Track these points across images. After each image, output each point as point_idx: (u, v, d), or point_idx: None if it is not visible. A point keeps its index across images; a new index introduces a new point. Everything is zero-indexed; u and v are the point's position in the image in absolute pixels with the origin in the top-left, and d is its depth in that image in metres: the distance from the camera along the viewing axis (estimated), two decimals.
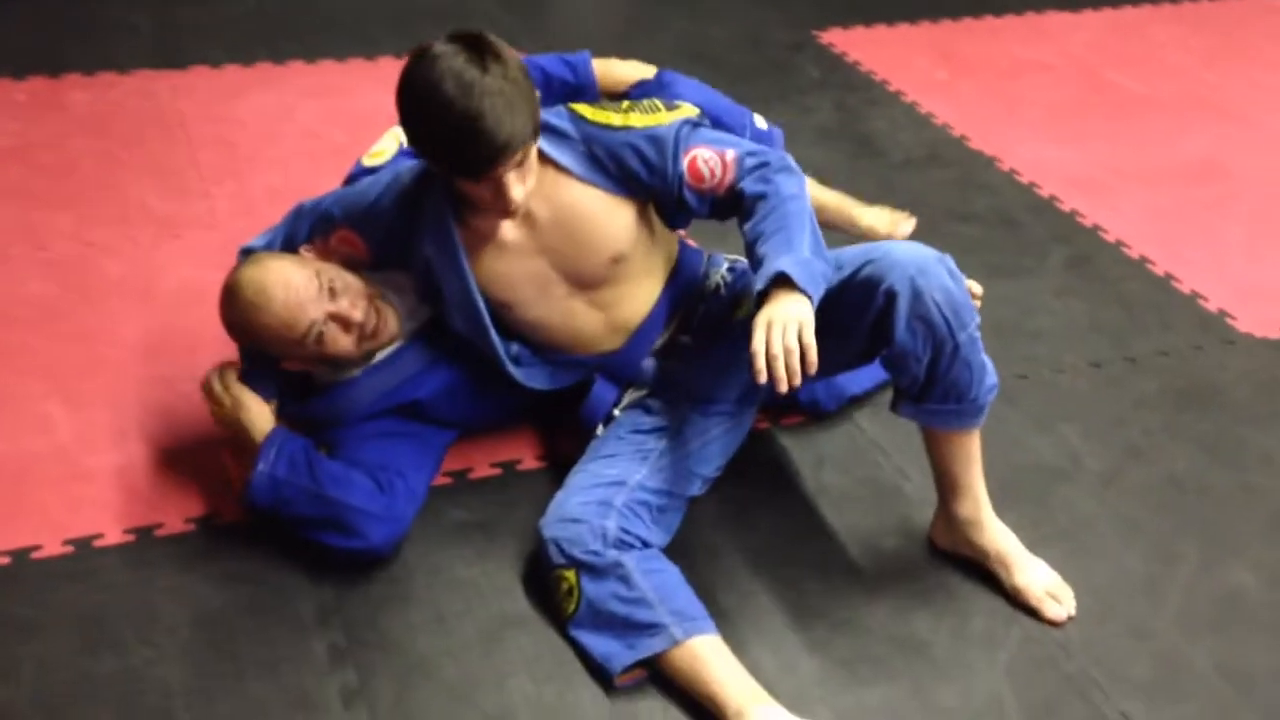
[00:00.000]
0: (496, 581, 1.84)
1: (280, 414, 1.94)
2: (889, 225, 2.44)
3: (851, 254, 1.76)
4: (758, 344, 1.57)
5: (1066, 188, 3.11)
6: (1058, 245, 2.87)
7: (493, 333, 1.88)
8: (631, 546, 1.73)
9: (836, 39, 3.94)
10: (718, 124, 1.99)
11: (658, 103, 1.84)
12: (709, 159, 1.77)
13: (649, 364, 1.95)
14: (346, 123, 3.12)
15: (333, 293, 1.81)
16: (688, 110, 1.83)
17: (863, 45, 3.90)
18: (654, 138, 1.77)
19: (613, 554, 1.71)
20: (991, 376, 1.80)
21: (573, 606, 1.72)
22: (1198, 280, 2.74)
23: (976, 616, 1.83)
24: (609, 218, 1.81)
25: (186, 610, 1.77)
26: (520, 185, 1.68)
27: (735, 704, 1.60)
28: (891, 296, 1.68)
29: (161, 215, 2.72)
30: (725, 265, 2.04)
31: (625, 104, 1.83)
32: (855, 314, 1.73)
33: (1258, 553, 1.99)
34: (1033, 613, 1.83)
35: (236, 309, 1.82)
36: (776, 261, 1.62)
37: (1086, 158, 3.28)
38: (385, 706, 1.64)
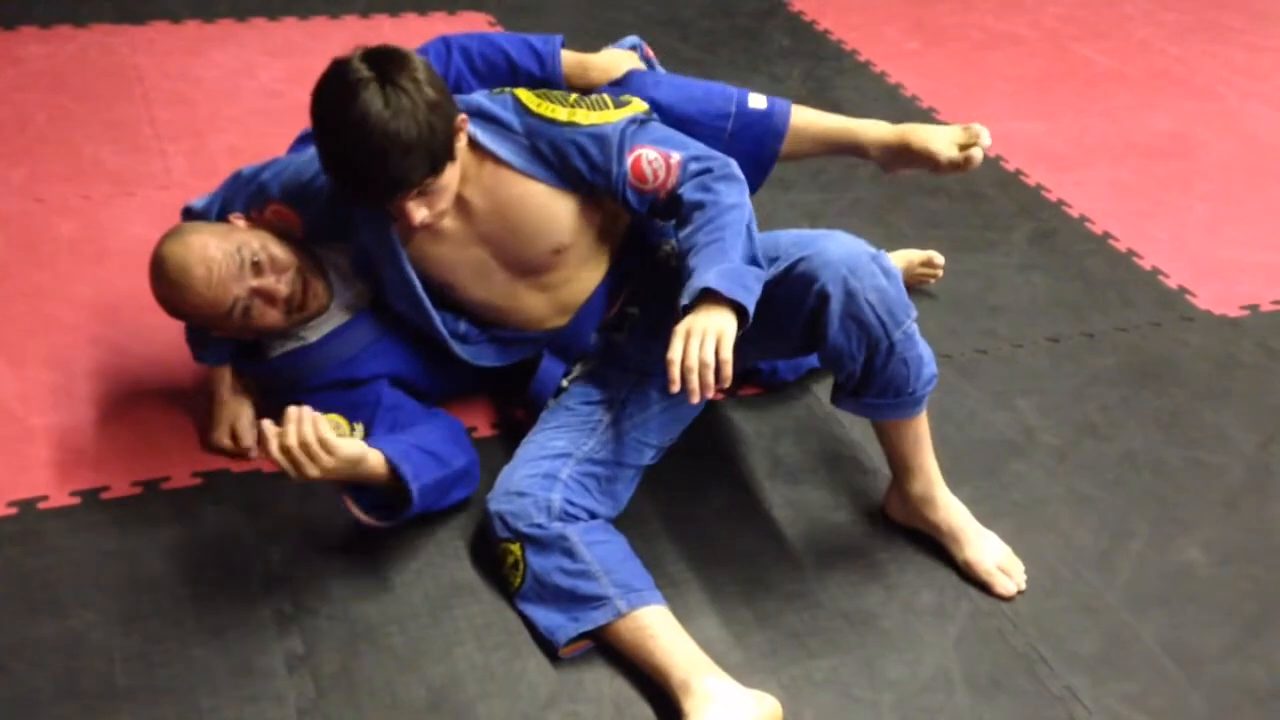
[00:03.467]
0: (446, 550, 1.83)
1: (238, 372, 1.94)
2: (956, 152, 1.96)
3: (787, 244, 1.74)
4: (674, 354, 1.55)
5: (1033, 162, 3.11)
6: (1023, 220, 2.86)
7: (435, 317, 1.86)
8: (577, 519, 1.72)
9: (807, 7, 3.91)
10: (696, 124, 1.91)
11: (606, 98, 1.79)
12: (653, 160, 1.72)
13: (595, 337, 1.93)
14: (308, 82, 2.97)
15: (256, 267, 1.78)
16: (636, 107, 1.79)
17: (834, 13, 3.87)
18: (598, 136, 1.73)
19: (557, 526, 1.70)
20: (930, 367, 1.76)
21: (518, 580, 1.71)
22: (1159, 257, 2.75)
23: (927, 590, 1.83)
24: (549, 211, 1.77)
25: (131, 574, 1.75)
26: (424, 210, 1.65)
27: (681, 674, 1.60)
28: (824, 298, 1.66)
29: (115, 173, 2.68)
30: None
31: (573, 96, 1.78)
32: (789, 312, 1.71)
33: (1209, 530, 2.01)
34: (983, 587, 1.83)
35: (161, 286, 1.79)
36: (704, 276, 1.58)
37: (1054, 132, 3.27)
38: (330, 673, 1.62)
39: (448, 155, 1.63)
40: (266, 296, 1.79)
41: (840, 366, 1.73)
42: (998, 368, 2.34)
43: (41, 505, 1.84)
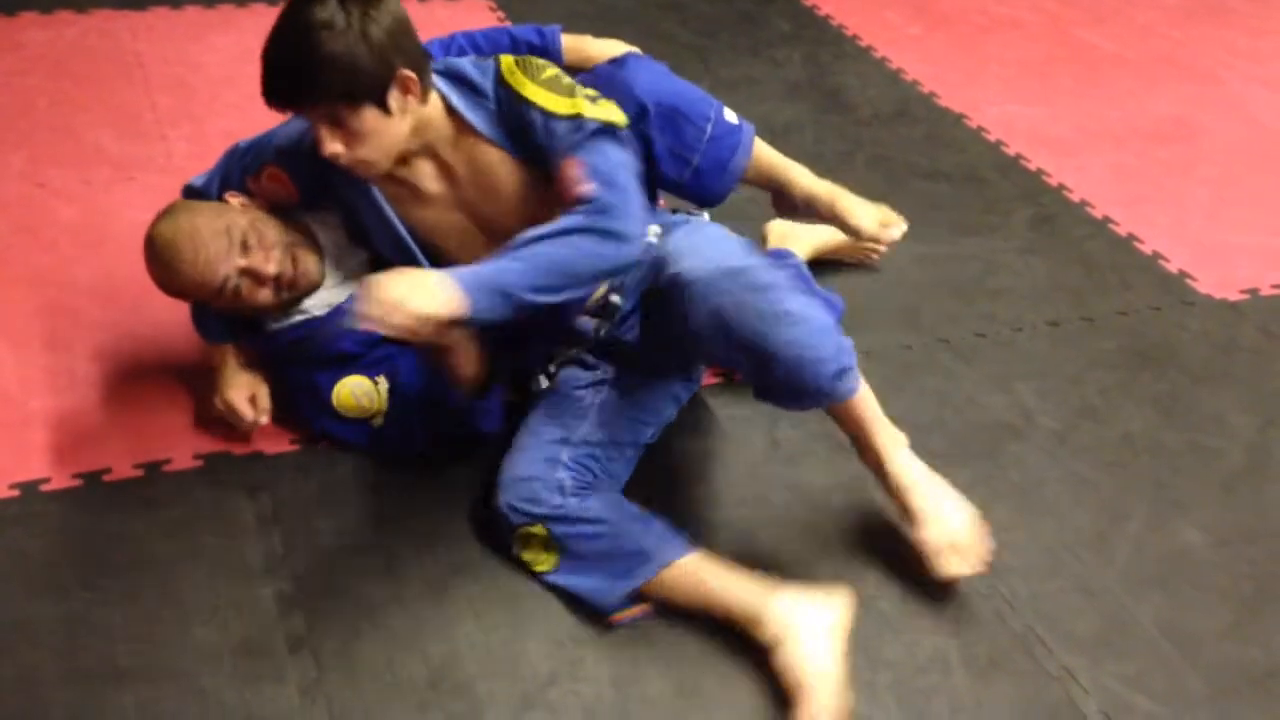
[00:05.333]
0: (446, 530, 1.84)
1: (247, 347, 1.96)
2: (876, 227, 2.11)
3: (668, 251, 1.73)
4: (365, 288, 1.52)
5: (1034, 146, 3.10)
6: (1023, 204, 2.86)
7: (424, 261, 1.84)
8: (588, 495, 1.74)
9: None
10: (683, 117, 1.89)
11: (590, 93, 1.74)
12: (575, 177, 1.67)
13: (585, 322, 1.91)
14: None
15: (245, 247, 1.80)
16: (609, 115, 1.71)
17: None
18: (550, 123, 1.69)
19: (574, 502, 1.72)
20: (836, 362, 1.65)
21: (553, 557, 1.73)
22: (1160, 241, 2.75)
23: (924, 574, 1.83)
24: (520, 181, 1.75)
25: (132, 556, 1.75)
26: (338, 144, 1.64)
27: (745, 607, 1.65)
28: (684, 319, 1.65)
29: (116, 157, 2.68)
30: (654, 226, 1.99)
31: (550, 72, 1.73)
32: (663, 326, 1.72)
33: (1207, 513, 2.01)
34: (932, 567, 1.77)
35: (154, 265, 1.82)
36: (467, 269, 1.57)
37: (1055, 116, 3.27)
38: (331, 653, 1.63)
39: (369, 96, 1.61)
40: (255, 276, 1.81)
41: (735, 370, 1.74)
42: (997, 351, 2.34)
43: (43, 487, 1.85)
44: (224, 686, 1.58)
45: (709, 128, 1.90)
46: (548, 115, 1.68)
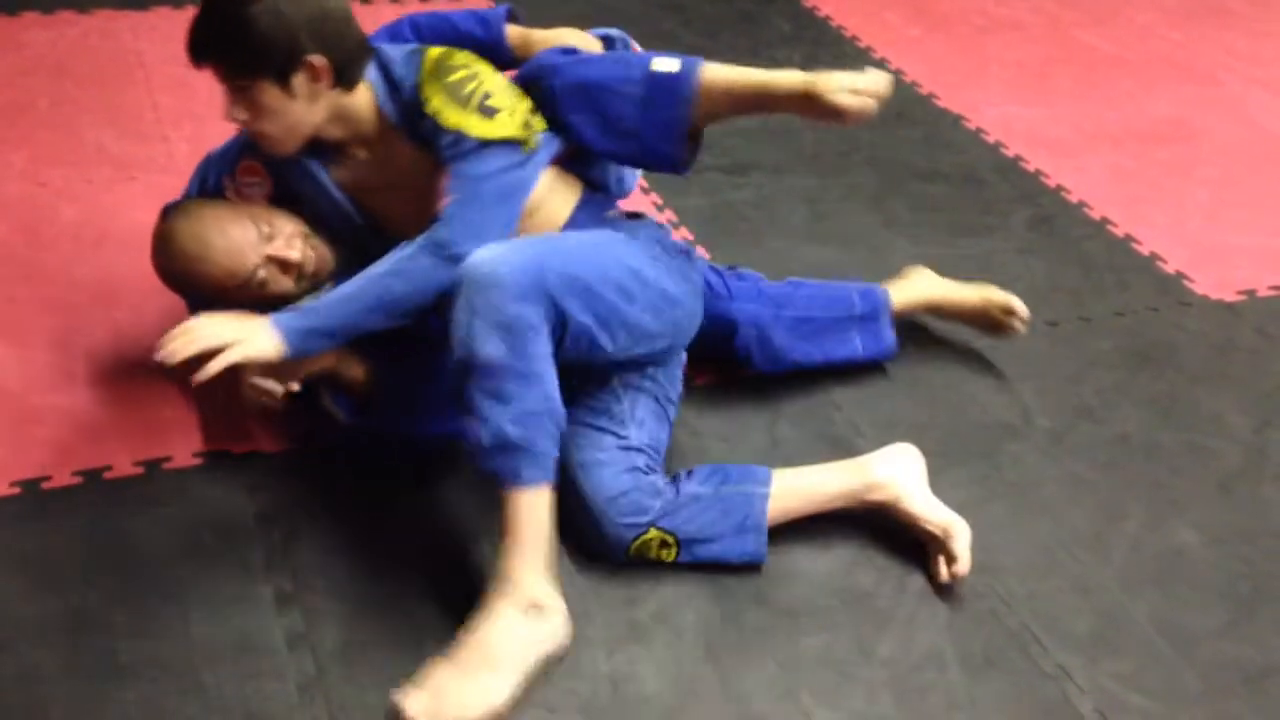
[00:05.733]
0: (445, 528, 1.85)
1: None
2: (848, 98, 1.72)
3: None
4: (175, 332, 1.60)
5: (1032, 147, 3.11)
6: (1021, 205, 2.87)
7: (363, 225, 1.87)
8: (677, 478, 1.82)
9: None
10: (606, 89, 1.80)
11: (477, 108, 1.71)
12: (440, 191, 1.70)
13: None
14: None
15: (269, 235, 1.81)
16: (493, 129, 1.70)
17: (835, 0, 3.87)
18: (437, 134, 1.70)
19: (670, 494, 1.77)
20: (481, 435, 1.61)
21: (675, 551, 1.78)
22: (1157, 242, 2.75)
23: (920, 571, 1.84)
24: (429, 177, 1.74)
25: (133, 553, 1.76)
26: (240, 111, 1.69)
27: (856, 481, 1.84)
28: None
29: (118, 157, 2.69)
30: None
31: (455, 75, 1.72)
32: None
33: (1202, 512, 2.02)
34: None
35: (176, 260, 1.82)
36: (295, 311, 1.66)
37: (1053, 118, 3.28)
38: (330, 650, 1.64)
39: (269, 73, 1.65)
40: (281, 263, 1.81)
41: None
42: (995, 351, 2.35)
43: (44, 485, 1.86)
44: (224, 683, 1.59)
45: (638, 90, 1.77)
46: (437, 124, 1.69)
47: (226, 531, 1.81)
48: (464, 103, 1.69)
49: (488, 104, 1.70)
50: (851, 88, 1.72)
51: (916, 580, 1.83)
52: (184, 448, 1.94)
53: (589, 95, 1.79)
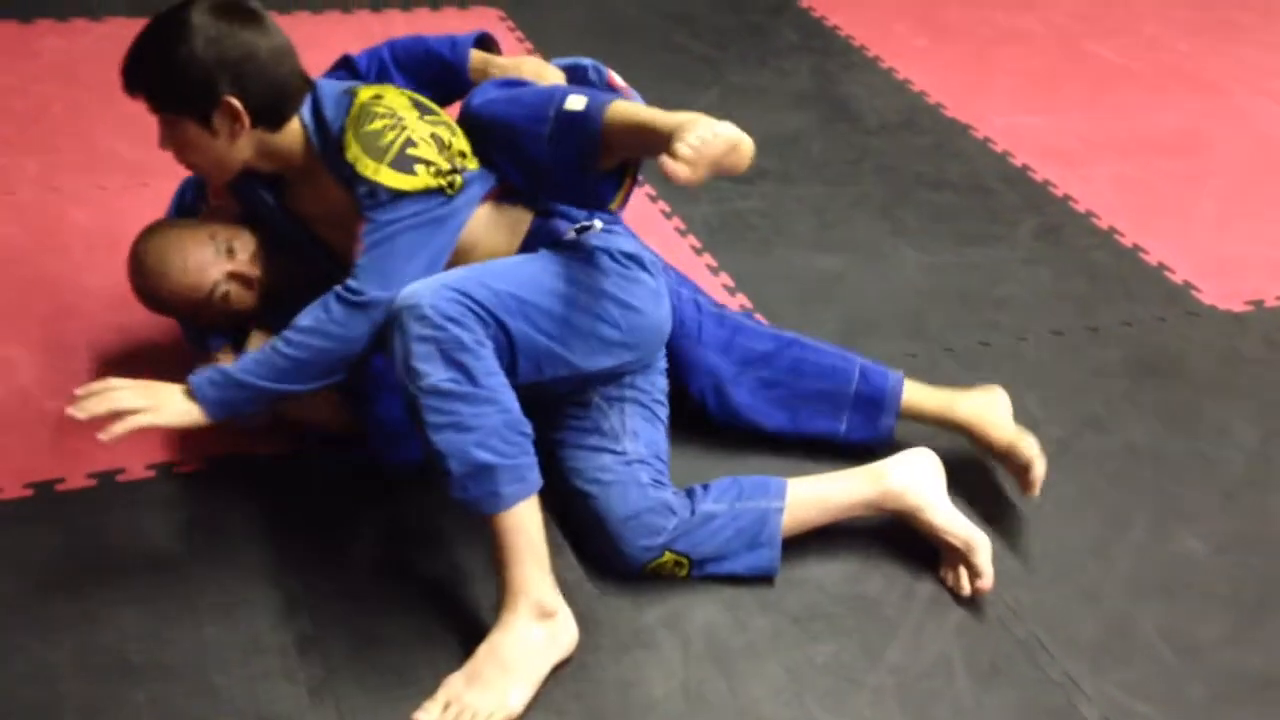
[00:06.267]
0: (454, 532, 1.86)
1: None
2: (686, 148, 1.50)
3: None
4: (100, 385, 1.63)
5: (1040, 157, 3.12)
6: (1028, 214, 2.88)
7: (316, 250, 1.89)
8: (692, 493, 1.81)
9: (817, 3, 3.92)
10: (515, 129, 1.75)
11: (390, 160, 1.68)
12: (358, 238, 1.70)
13: None
14: (318, 75, 3.08)
15: (230, 252, 1.87)
16: (407, 182, 1.68)
17: (843, 10, 3.89)
18: (354, 186, 1.69)
19: (685, 514, 1.77)
20: (456, 461, 1.59)
21: (686, 570, 1.79)
22: (1165, 252, 2.76)
23: (928, 578, 1.85)
24: (355, 211, 1.71)
25: (145, 555, 1.78)
26: (169, 142, 1.75)
27: (872, 490, 1.84)
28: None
29: (130, 163, 2.71)
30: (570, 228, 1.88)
31: (374, 125, 1.68)
32: None
33: (1209, 522, 2.02)
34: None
35: (142, 277, 1.88)
36: (211, 370, 1.67)
37: (1062, 128, 3.29)
38: (340, 654, 1.65)
39: (187, 111, 1.68)
40: (242, 280, 1.87)
41: None
42: (1001, 360, 2.36)
43: (58, 487, 1.87)
44: (234, 684, 1.60)
45: (547, 129, 1.71)
46: (354, 172, 1.69)
47: (236, 534, 1.82)
48: (380, 155, 1.67)
49: (408, 153, 1.68)
50: (698, 137, 1.51)
51: (924, 587, 1.84)
52: (195, 452, 1.96)
53: (507, 134, 1.77)
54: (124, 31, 3.36)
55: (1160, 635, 1.80)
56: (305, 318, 1.67)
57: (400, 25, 3.48)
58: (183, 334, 2.03)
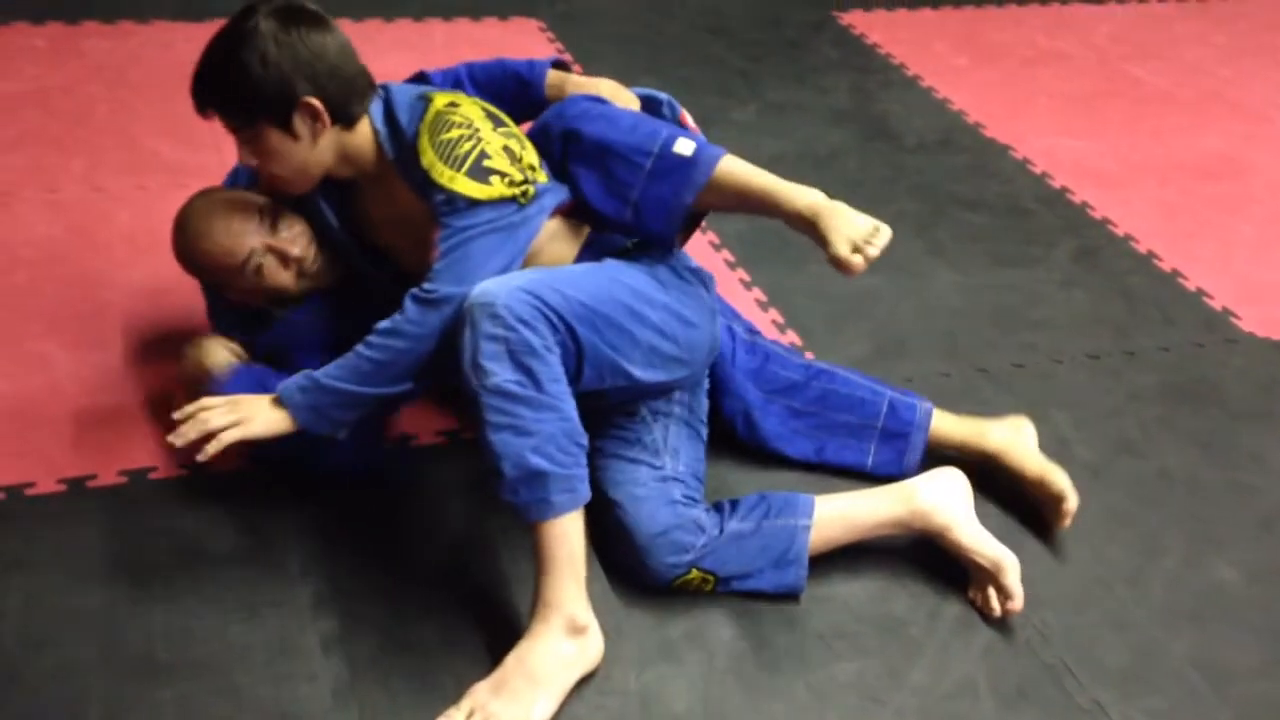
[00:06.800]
0: (489, 540, 1.86)
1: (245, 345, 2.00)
2: (846, 252, 1.66)
3: None
4: (192, 408, 1.67)
5: (1079, 179, 3.10)
6: (1066, 236, 2.86)
7: (363, 261, 1.90)
8: (720, 509, 1.81)
9: (857, 20, 3.92)
10: (614, 153, 1.77)
11: (467, 170, 1.69)
12: (434, 243, 1.70)
13: None
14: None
15: (274, 227, 1.87)
16: (490, 193, 1.69)
17: (883, 28, 3.89)
18: (429, 192, 1.70)
19: (714, 530, 1.77)
20: (510, 466, 1.59)
21: (712, 585, 1.78)
22: (1204, 278, 2.73)
23: (955, 599, 1.84)
24: (426, 215, 1.72)
25: (173, 553, 1.79)
26: (250, 155, 1.74)
27: (901, 510, 1.83)
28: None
29: (172, 164, 2.74)
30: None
31: (450, 133, 1.70)
32: None
33: (1243, 550, 2.00)
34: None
35: (184, 236, 1.89)
36: (299, 377, 1.69)
37: (1101, 150, 3.27)
38: (364, 657, 1.66)
39: (268, 118, 1.68)
40: (280, 254, 1.87)
41: None
42: (1035, 382, 2.34)
43: (90, 483, 1.89)
44: (258, 684, 1.60)
45: (648, 163, 1.76)
46: (429, 179, 1.70)
47: (266, 534, 1.83)
48: (457, 164, 1.68)
49: (484, 165, 1.69)
50: (855, 240, 1.65)
51: (951, 608, 1.82)
52: (226, 452, 1.96)
53: (601, 153, 1.78)
54: (170, 35, 3.42)
55: (1191, 664, 1.78)
56: (384, 322, 1.68)
57: (441, 34, 3.50)
58: (209, 322, 2.03)
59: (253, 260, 1.86)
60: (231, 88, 1.68)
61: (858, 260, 1.64)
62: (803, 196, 1.73)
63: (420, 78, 1.98)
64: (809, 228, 1.70)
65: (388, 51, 3.28)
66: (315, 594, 1.74)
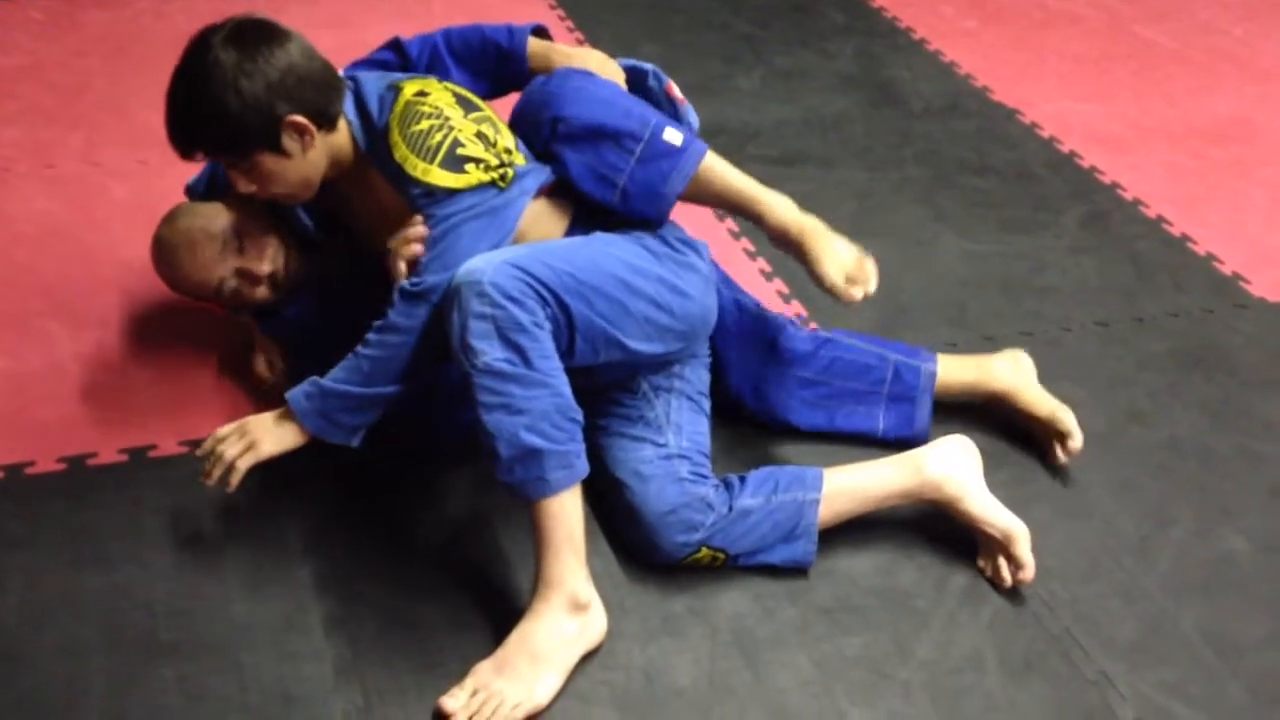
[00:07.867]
0: (490, 518, 1.85)
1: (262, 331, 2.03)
2: (839, 280, 1.78)
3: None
4: (208, 445, 1.70)
5: (1088, 143, 3.06)
6: (1074, 202, 2.82)
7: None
8: (729, 485, 1.79)
9: None
10: (603, 135, 1.76)
11: (440, 161, 1.67)
12: (418, 235, 1.68)
13: None
14: (355, 55, 3.06)
15: (240, 250, 1.89)
16: (466, 182, 1.68)
17: None
18: (404, 185, 1.69)
19: (723, 510, 1.75)
20: (505, 446, 1.58)
21: (722, 562, 1.77)
22: (1214, 242, 2.70)
23: (961, 571, 1.82)
24: (402, 209, 1.72)
25: (175, 531, 1.78)
26: (248, 184, 1.72)
27: (911, 480, 1.81)
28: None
29: None
30: None
31: (420, 125, 1.68)
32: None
33: (1253, 519, 1.98)
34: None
35: (158, 265, 1.96)
36: (305, 384, 1.69)
37: (1110, 113, 3.22)
38: (367, 636, 1.65)
39: (256, 145, 1.66)
40: (249, 276, 1.90)
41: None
42: (1044, 350, 2.31)
43: (90, 461, 1.88)
44: (261, 663, 1.60)
45: (638, 148, 1.76)
46: (403, 173, 1.68)
47: (268, 513, 1.83)
48: (430, 156, 1.66)
49: (457, 154, 1.67)
50: (847, 268, 1.77)
51: (958, 580, 1.81)
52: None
53: (593, 137, 1.76)
54: (167, 6, 3.39)
55: (1200, 635, 1.76)
56: (378, 320, 1.68)
57: (440, 6, 3.46)
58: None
59: (225, 286, 1.90)
60: (214, 129, 1.65)
61: (857, 293, 1.75)
62: (788, 209, 1.81)
63: (395, 45, 1.95)
64: (795, 245, 1.80)
65: (386, 22, 3.25)
66: (317, 573, 1.73)
